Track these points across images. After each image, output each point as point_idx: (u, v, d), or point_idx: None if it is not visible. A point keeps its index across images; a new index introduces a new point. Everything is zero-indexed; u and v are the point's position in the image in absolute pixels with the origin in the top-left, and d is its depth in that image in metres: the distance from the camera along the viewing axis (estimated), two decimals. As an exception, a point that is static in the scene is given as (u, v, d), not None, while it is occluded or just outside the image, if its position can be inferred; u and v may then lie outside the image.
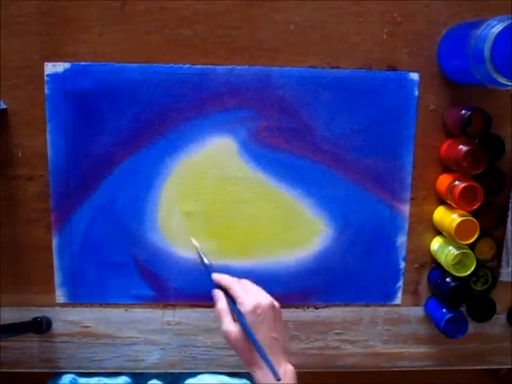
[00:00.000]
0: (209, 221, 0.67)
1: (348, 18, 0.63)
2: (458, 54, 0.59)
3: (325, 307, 0.71)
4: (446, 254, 0.64)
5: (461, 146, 0.62)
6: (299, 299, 0.70)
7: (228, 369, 0.71)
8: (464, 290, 0.67)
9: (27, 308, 0.68)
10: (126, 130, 0.64)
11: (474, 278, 0.68)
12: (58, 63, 0.62)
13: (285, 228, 0.68)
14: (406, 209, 0.68)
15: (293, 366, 0.56)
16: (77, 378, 0.70)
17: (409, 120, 0.66)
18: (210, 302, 0.68)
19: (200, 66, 0.63)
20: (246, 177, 0.66)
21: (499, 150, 0.65)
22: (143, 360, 0.70)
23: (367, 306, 0.71)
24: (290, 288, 0.69)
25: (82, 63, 0.62)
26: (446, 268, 0.65)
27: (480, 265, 0.67)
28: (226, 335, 0.55)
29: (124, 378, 0.70)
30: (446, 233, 0.65)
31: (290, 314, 0.70)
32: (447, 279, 0.66)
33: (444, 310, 0.67)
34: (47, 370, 0.70)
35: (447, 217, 0.64)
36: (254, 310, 0.54)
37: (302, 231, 0.68)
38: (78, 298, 0.68)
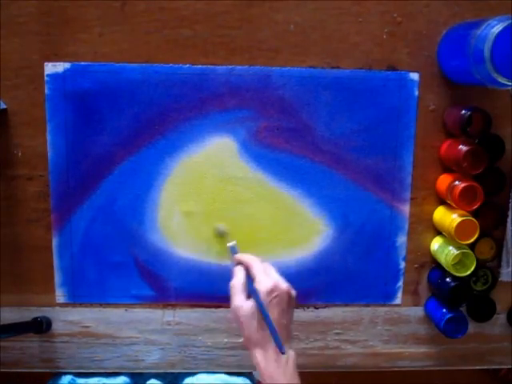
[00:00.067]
0: (209, 221, 0.67)
1: (348, 18, 0.63)
2: (458, 53, 0.59)
3: (325, 307, 0.71)
4: (446, 254, 0.64)
5: (461, 146, 0.62)
6: (299, 299, 0.69)
7: (228, 369, 0.71)
8: (464, 289, 0.67)
9: (27, 308, 0.68)
10: (125, 129, 0.64)
11: (474, 278, 0.68)
12: (58, 63, 0.62)
13: (285, 228, 0.68)
14: (405, 209, 0.68)
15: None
16: (75, 378, 0.70)
17: (409, 120, 0.66)
18: (210, 302, 0.69)
19: (200, 66, 0.63)
20: (246, 177, 0.66)
21: (499, 149, 0.65)
22: (143, 360, 0.70)
23: (367, 306, 0.71)
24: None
25: (82, 63, 0.62)
26: (446, 268, 0.65)
27: (480, 265, 0.67)
28: (236, 311, 0.55)
29: (123, 378, 0.70)
30: (446, 233, 0.65)
31: (290, 313, 0.70)
32: (447, 279, 0.66)
33: (444, 310, 0.67)
34: (47, 370, 0.70)
35: (447, 217, 0.64)
36: (271, 291, 0.54)
37: (301, 231, 0.68)
38: (78, 297, 0.68)
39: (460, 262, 0.66)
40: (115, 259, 0.67)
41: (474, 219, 0.63)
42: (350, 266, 0.69)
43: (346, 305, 0.71)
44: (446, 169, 0.67)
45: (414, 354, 0.72)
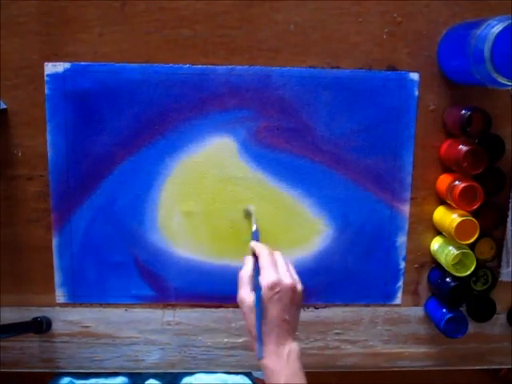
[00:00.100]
0: (209, 221, 0.67)
1: (348, 18, 0.63)
2: (458, 53, 0.59)
3: (325, 307, 0.71)
4: (446, 254, 0.64)
5: (461, 146, 0.62)
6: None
7: (228, 369, 0.71)
8: (464, 289, 0.67)
9: (27, 308, 0.68)
10: (125, 129, 0.64)
11: (474, 278, 0.68)
12: (58, 63, 0.62)
13: (285, 228, 0.68)
14: (405, 209, 0.68)
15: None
16: (74, 380, 0.69)
17: (409, 120, 0.66)
18: (210, 302, 0.69)
19: (200, 66, 0.63)
20: (246, 177, 0.66)
21: (499, 149, 0.65)
22: (143, 360, 0.70)
23: (367, 305, 0.71)
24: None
25: (82, 63, 0.62)
26: (446, 268, 0.65)
27: (480, 265, 0.67)
28: (240, 303, 0.56)
29: (121, 379, 0.70)
30: (446, 233, 0.65)
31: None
32: (447, 279, 0.66)
33: (444, 310, 0.67)
34: (47, 370, 0.70)
35: (447, 217, 0.64)
36: (273, 286, 0.54)
37: (301, 231, 0.68)
38: (78, 297, 0.68)
39: (460, 262, 0.66)
40: (115, 259, 0.67)
41: (473, 219, 0.63)
42: (350, 266, 0.69)
43: (346, 305, 0.71)
44: (446, 169, 0.67)
45: (414, 353, 0.72)
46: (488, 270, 0.68)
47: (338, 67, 0.64)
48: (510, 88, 0.55)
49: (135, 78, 0.63)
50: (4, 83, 0.62)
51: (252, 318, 0.54)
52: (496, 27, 0.52)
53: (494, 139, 0.64)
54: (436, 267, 0.70)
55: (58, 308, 0.68)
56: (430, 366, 0.73)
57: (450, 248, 0.65)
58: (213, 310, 0.69)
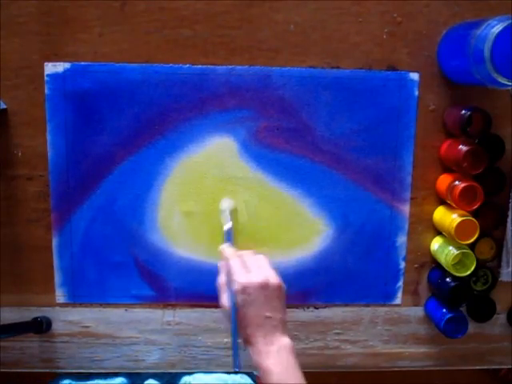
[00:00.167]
0: (209, 221, 0.67)
1: (348, 18, 0.63)
2: (458, 53, 0.59)
3: (325, 307, 0.71)
4: (446, 254, 0.64)
5: (461, 146, 0.62)
6: (299, 299, 0.70)
7: (228, 369, 0.71)
8: (464, 289, 0.67)
9: (27, 308, 0.68)
10: (125, 130, 0.64)
11: (474, 278, 0.68)
12: (58, 63, 0.62)
13: (285, 228, 0.68)
14: (405, 209, 0.68)
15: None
16: (74, 382, 0.69)
17: (409, 120, 0.66)
18: (209, 302, 0.69)
19: (200, 66, 0.63)
20: (246, 177, 0.66)
21: (499, 149, 0.65)
22: (143, 360, 0.70)
23: (367, 305, 0.71)
24: (289, 288, 0.69)
25: (82, 63, 0.62)
26: (446, 268, 0.65)
27: (480, 265, 0.67)
28: (222, 309, 0.56)
29: (121, 379, 0.70)
30: (446, 233, 0.65)
31: (290, 313, 0.70)
32: (447, 279, 0.66)
33: (444, 310, 0.67)
34: (47, 370, 0.70)
35: (447, 217, 0.64)
36: (243, 289, 0.54)
37: (302, 231, 0.68)
38: (78, 297, 0.68)
39: (460, 262, 0.66)
40: (115, 259, 0.67)
41: (473, 219, 0.63)
42: (350, 265, 0.69)
43: (346, 305, 0.71)
44: (446, 169, 0.67)
45: (414, 353, 0.72)
46: (488, 269, 0.68)
47: (338, 67, 0.64)
48: (510, 88, 0.55)
49: (135, 78, 0.63)
50: (4, 83, 0.62)
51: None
52: (496, 27, 0.52)
53: (494, 139, 0.64)
54: (436, 267, 0.70)
55: (57, 308, 0.68)
56: (429, 366, 0.73)
57: (450, 248, 0.65)
58: (213, 309, 0.69)
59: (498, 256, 0.68)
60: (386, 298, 0.70)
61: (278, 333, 0.54)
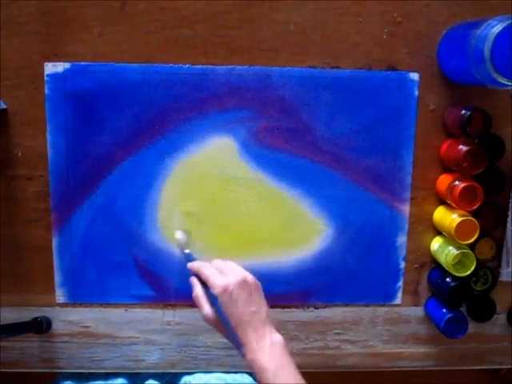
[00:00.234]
0: (209, 221, 0.67)
1: (348, 18, 0.63)
2: (458, 53, 0.59)
3: (325, 307, 0.71)
4: (446, 254, 0.64)
5: (461, 146, 0.62)
6: (299, 299, 0.70)
7: (228, 369, 0.71)
8: (464, 289, 0.67)
9: (27, 308, 0.68)
10: (125, 130, 0.64)
11: (474, 278, 0.68)
12: (58, 63, 0.62)
13: (285, 228, 0.68)
14: (405, 209, 0.68)
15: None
16: None
17: (409, 120, 0.66)
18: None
19: (200, 66, 0.63)
20: (246, 177, 0.66)
21: (499, 149, 0.65)
22: (143, 360, 0.70)
23: (367, 305, 0.71)
24: (289, 288, 0.69)
25: (82, 63, 0.62)
26: (446, 268, 0.65)
27: (480, 265, 0.67)
28: (206, 320, 0.56)
29: (121, 381, 0.70)
30: (446, 233, 0.65)
31: (290, 314, 0.70)
32: (447, 279, 0.66)
33: (444, 310, 0.67)
34: (47, 370, 0.70)
35: (447, 217, 0.64)
36: (225, 290, 0.54)
37: (301, 231, 0.68)
38: (78, 297, 0.68)
39: (460, 262, 0.66)
40: (115, 259, 0.67)
41: (473, 219, 0.63)
42: (350, 265, 0.69)
43: (346, 305, 0.71)
44: (446, 169, 0.67)
45: (414, 353, 0.73)
46: (488, 269, 0.68)
47: (338, 67, 0.64)
48: (510, 88, 0.55)
49: (135, 78, 0.63)
50: (4, 83, 0.62)
51: (222, 327, 0.55)
52: (496, 27, 0.52)
53: (494, 139, 0.64)
54: (436, 267, 0.70)
55: (58, 308, 0.68)
56: (430, 366, 0.73)
57: (450, 248, 0.65)
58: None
59: (498, 256, 0.68)
60: (385, 298, 0.71)
61: (268, 326, 0.55)
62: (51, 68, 0.62)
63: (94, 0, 0.61)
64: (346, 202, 0.67)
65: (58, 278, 0.67)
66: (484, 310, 0.69)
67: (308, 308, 0.70)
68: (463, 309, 0.69)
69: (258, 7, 0.63)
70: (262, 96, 0.64)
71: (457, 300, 0.67)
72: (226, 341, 0.69)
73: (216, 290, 0.54)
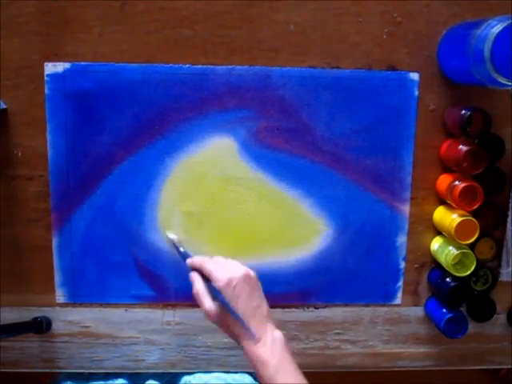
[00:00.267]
0: (209, 221, 0.67)
1: (348, 18, 0.63)
2: (458, 53, 0.59)
3: (325, 307, 0.71)
4: (446, 254, 0.64)
5: (461, 146, 0.62)
6: (299, 299, 0.70)
7: (228, 369, 0.71)
8: (464, 289, 0.67)
9: (27, 308, 0.68)
10: (125, 130, 0.64)
11: (474, 278, 0.68)
12: (58, 63, 0.62)
13: (285, 228, 0.68)
14: (406, 209, 0.68)
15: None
16: None
17: (409, 120, 0.66)
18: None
19: (200, 66, 0.63)
20: (246, 177, 0.66)
21: (499, 149, 0.65)
22: (143, 360, 0.70)
23: (367, 305, 0.71)
24: (289, 288, 0.69)
25: (82, 63, 0.62)
26: (446, 268, 0.65)
27: (480, 265, 0.67)
28: (207, 315, 0.55)
29: (121, 381, 0.70)
30: (446, 233, 0.65)
31: (290, 314, 0.70)
32: (447, 279, 0.66)
33: (444, 310, 0.67)
34: (47, 370, 0.70)
35: (447, 217, 0.64)
36: (229, 283, 0.54)
37: (301, 231, 0.68)
38: (78, 297, 0.68)
39: (460, 262, 0.66)
40: (115, 259, 0.67)
41: (473, 219, 0.63)
42: (350, 265, 0.69)
43: (346, 305, 0.71)
44: (446, 169, 0.67)
45: (414, 353, 0.73)
46: (488, 269, 0.68)
47: (338, 67, 0.64)
48: (510, 88, 0.55)
49: (135, 78, 0.63)
50: (4, 83, 0.62)
51: (225, 319, 0.54)
52: (496, 27, 0.52)
53: (494, 139, 0.64)
54: (436, 267, 0.70)
55: (58, 308, 0.68)
56: (430, 366, 0.73)
57: (450, 248, 0.65)
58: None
59: (498, 256, 0.68)
60: (385, 298, 0.71)
61: (269, 322, 0.55)
62: (51, 68, 0.62)
63: (94, 0, 0.61)
64: (346, 201, 0.67)
65: (57, 278, 0.67)
66: (484, 309, 0.69)
67: (308, 308, 0.70)
68: (463, 309, 0.69)
69: (258, 7, 0.63)
70: (261, 96, 0.64)
71: (457, 300, 0.67)
72: (226, 341, 0.70)
73: (220, 283, 0.54)
